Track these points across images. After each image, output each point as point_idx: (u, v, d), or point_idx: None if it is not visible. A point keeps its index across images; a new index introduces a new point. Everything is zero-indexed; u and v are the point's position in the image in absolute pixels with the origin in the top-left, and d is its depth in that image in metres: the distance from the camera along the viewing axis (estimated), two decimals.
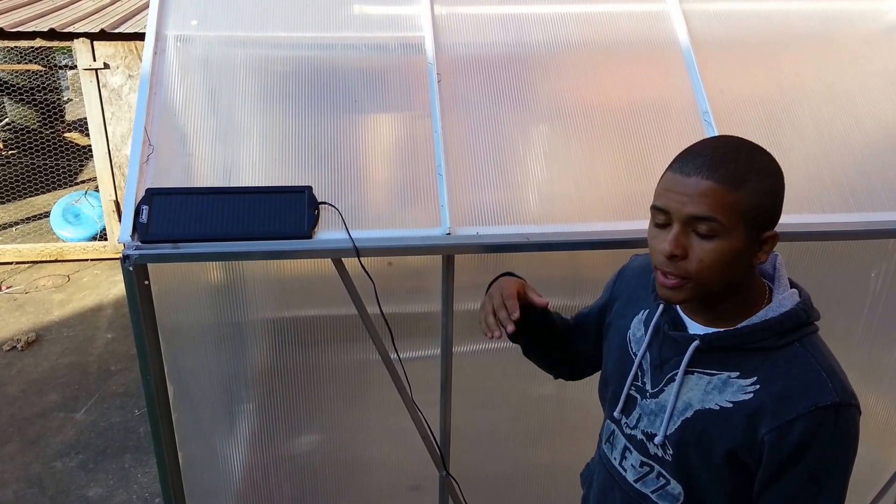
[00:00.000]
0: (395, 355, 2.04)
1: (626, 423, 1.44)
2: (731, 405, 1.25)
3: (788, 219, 1.93)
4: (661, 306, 1.38)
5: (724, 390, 1.26)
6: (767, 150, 1.23)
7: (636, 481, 1.43)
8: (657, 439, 1.35)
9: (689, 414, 1.30)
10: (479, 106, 2.10)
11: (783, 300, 1.25)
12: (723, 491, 1.31)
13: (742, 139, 1.23)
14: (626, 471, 1.46)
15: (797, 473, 1.20)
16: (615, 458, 1.49)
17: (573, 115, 2.12)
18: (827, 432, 1.17)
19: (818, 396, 1.17)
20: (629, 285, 1.53)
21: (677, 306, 1.36)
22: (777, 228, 1.24)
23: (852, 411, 1.19)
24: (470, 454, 2.32)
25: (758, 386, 1.23)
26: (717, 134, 2.05)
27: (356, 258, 1.85)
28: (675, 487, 1.36)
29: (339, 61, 2.15)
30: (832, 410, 1.17)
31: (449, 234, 1.90)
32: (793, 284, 1.33)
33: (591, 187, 2.04)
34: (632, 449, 1.43)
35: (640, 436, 1.40)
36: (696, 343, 1.28)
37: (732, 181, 1.16)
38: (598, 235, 1.93)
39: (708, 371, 1.29)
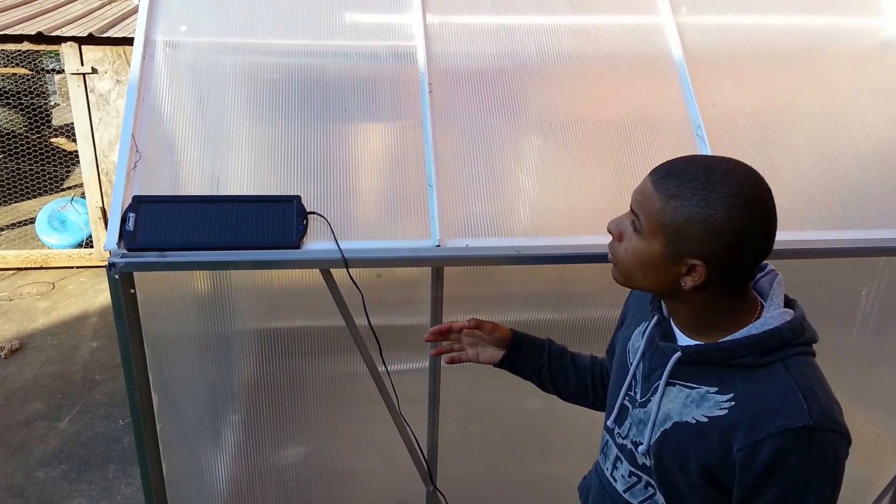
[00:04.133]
0: (383, 367, 2.02)
1: (618, 432, 1.46)
2: (706, 420, 1.24)
3: (779, 235, 1.89)
4: (655, 317, 1.39)
5: (702, 404, 1.26)
6: (760, 166, 1.23)
7: (625, 491, 1.44)
8: (641, 448, 1.36)
9: (667, 425, 1.31)
10: (471, 117, 2.09)
11: (769, 319, 1.24)
12: None
13: (735, 167, 1.20)
14: (616, 481, 1.47)
15: (770, 495, 1.18)
16: (608, 468, 1.51)
17: (565, 128, 2.11)
18: (798, 455, 1.15)
19: (790, 418, 1.15)
20: (637, 300, 1.55)
21: (670, 318, 1.36)
22: None
23: (831, 436, 1.16)
24: (458, 469, 2.30)
25: (734, 403, 1.22)
26: (707, 148, 2.05)
27: (345, 269, 1.84)
28: (661, 498, 1.36)
29: (330, 69, 2.13)
30: (804, 433, 1.14)
31: (438, 245, 1.89)
32: (791, 304, 1.31)
33: (582, 201, 2.03)
34: (622, 459, 1.44)
35: (629, 445, 1.41)
36: (677, 354, 1.29)
37: (668, 193, 1.19)
38: (589, 249, 1.92)
39: (688, 384, 1.29)
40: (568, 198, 2.04)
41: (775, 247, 1.86)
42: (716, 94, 2.19)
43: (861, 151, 2.16)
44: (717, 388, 1.25)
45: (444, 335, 1.71)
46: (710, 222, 1.16)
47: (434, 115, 2.06)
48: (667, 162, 1.24)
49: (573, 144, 2.09)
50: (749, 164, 1.23)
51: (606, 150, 2.09)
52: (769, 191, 1.21)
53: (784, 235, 1.96)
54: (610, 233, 1.32)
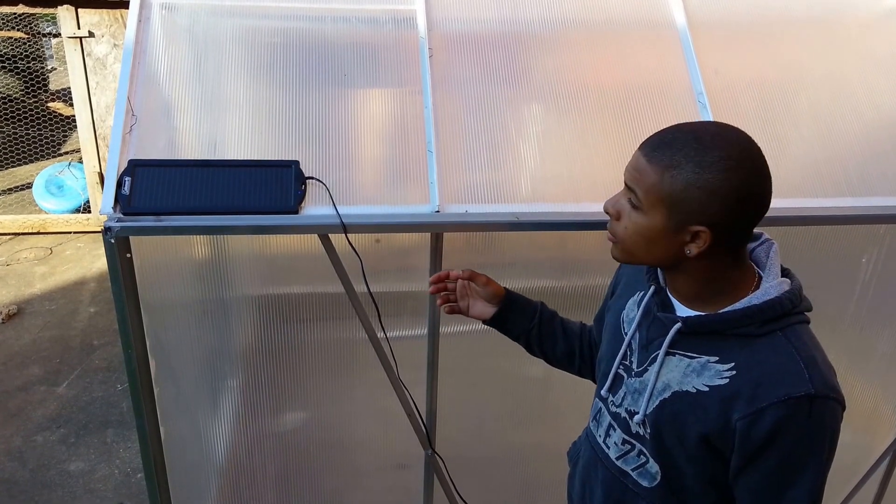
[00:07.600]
0: (382, 333, 2.02)
1: (612, 400, 1.47)
2: (706, 389, 1.26)
3: (781, 203, 1.90)
4: (652, 287, 1.40)
5: (702, 374, 1.27)
6: (764, 134, 1.24)
7: (618, 458, 1.47)
8: (637, 417, 1.38)
9: (666, 395, 1.32)
10: (472, 83, 2.07)
11: (769, 288, 1.26)
12: (700, 474, 1.33)
13: (723, 129, 1.22)
14: (608, 448, 1.49)
15: (768, 462, 1.21)
16: (600, 436, 1.52)
17: (567, 95, 2.09)
18: (799, 423, 1.18)
19: (792, 386, 1.18)
20: (631, 269, 1.55)
21: (667, 289, 1.37)
22: (769, 213, 1.24)
23: (830, 404, 1.19)
24: (456, 433, 2.31)
25: (734, 372, 1.24)
26: (710, 115, 2.03)
27: (343, 234, 1.83)
28: (654, 466, 1.39)
29: (329, 34, 2.11)
30: (805, 401, 1.17)
31: (438, 211, 1.88)
32: (787, 274, 1.32)
33: (583, 168, 2.02)
34: (615, 427, 1.46)
35: (623, 414, 1.43)
36: (678, 325, 1.30)
37: (663, 165, 1.19)
38: (590, 216, 1.91)
39: (688, 354, 1.30)
40: (568, 165, 2.02)
41: (777, 214, 1.86)
42: (719, 62, 2.16)
43: (865, 120, 2.14)
44: (717, 358, 1.26)
45: (442, 282, 1.71)
46: (708, 186, 1.17)
47: (434, 80, 2.04)
48: (654, 134, 1.25)
49: (574, 111, 2.08)
50: (752, 131, 1.23)
51: (608, 118, 2.07)
52: (759, 149, 1.22)
53: (787, 203, 1.97)
54: (607, 213, 1.32)
